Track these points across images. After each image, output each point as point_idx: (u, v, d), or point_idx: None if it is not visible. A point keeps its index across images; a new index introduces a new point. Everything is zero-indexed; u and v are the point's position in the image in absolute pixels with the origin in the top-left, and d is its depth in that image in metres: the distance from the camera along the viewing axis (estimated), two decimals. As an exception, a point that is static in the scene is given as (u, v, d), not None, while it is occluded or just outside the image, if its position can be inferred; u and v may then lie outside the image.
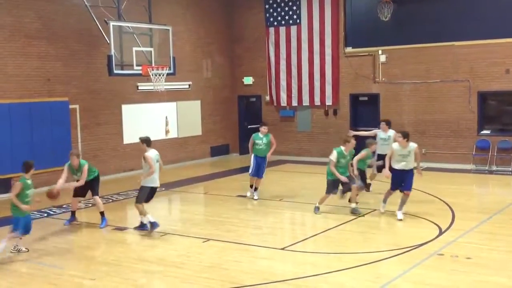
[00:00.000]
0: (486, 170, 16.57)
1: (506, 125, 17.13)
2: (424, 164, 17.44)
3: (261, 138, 12.96)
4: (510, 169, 16.23)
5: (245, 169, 18.19)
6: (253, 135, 13.12)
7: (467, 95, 17.12)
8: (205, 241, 9.45)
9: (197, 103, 19.76)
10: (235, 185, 15.23)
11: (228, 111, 21.07)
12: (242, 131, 21.36)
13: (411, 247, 8.71)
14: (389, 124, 13.21)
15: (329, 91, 19.44)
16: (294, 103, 20.14)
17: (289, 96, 20.20)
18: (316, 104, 19.74)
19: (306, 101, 19.93)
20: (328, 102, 19.51)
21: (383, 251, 8.57)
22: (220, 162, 19.66)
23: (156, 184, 10.31)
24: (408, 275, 7.55)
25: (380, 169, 11.84)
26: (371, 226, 10.40)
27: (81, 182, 10.55)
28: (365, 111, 19.19)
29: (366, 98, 19.16)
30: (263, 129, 12.94)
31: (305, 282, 7.40)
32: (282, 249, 8.96)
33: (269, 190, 14.16)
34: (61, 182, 10.26)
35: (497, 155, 16.72)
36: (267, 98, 20.65)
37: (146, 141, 10.28)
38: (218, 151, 20.67)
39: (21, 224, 8.78)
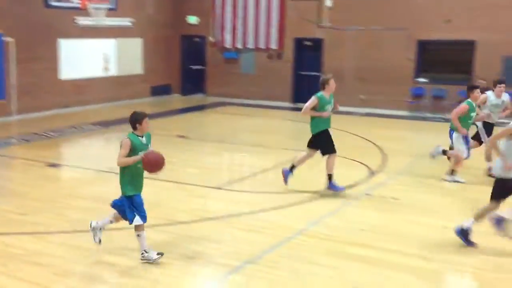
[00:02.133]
0: (420, 116, 17.14)
1: (441, 73, 17.65)
2: (363, 110, 17.88)
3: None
4: (443, 116, 16.83)
5: (186, 110, 18.17)
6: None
7: (407, 43, 17.45)
8: (142, 179, 9.44)
9: (139, 41, 19.25)
10: (176, 125, 15.16)
11: (170, 50, 20.66)
12: (185, 71, 21.10)
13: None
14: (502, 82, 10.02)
15: (274, 35, 19.34)
16: (239, 45, 19.95)
17: (233, 38, 19.98)
18: (260, 47, 19.64)
19: (251, 44, 19.79)
20: (273, 45, 19.44)
21: (315, 191, 8.82)
22: (161, 102, 19.43)
23: None
24: (337, 213, 7.84)
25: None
26: (307, 166, 10.65)
27: None
28: (309, 56, 19.27)
29: (310, 43, 19.19)
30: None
31: (238, 219, 7.57)
32: (219, 188, 9.08)
33: (211, 131, 14.19)
34: None
35: (432, 103, 17.31)
36: (211, 38, 20.36)
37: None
38: (159, 91, 20.37)
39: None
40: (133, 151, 5.82)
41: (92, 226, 6.21)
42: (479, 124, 10.11)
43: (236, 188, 9.12)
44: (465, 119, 9.26)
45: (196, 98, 20.57)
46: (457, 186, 9.30)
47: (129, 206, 5.87)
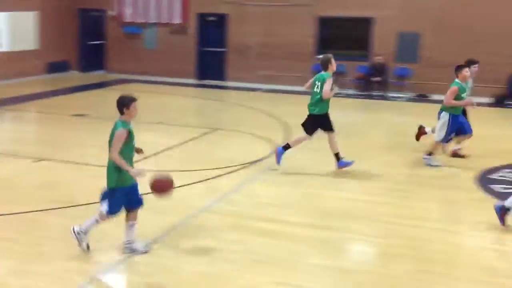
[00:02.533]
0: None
1: (341, 50, 18.13)
2: (266, 86, 18.03)
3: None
4: (343, 91, 17.32)
5: (85, 87, 17.43)
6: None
7: (309, 19, 17.74)
8: (37, 161, 8.95)
9: (33, 14, 18.14)
10: (73, 104, 14.52)
11: (67, 24, 19.66)
12: (83, 47, 20.21)
13: (247, 163, 9.05)
14: None
15: (178, 9, 18.94)
16: (141, 19, 19.37)
17: (135, 12, 19.35)
18: (163, 21, 19.18)
19: (153, 18, 19.27)
20: (176, 20, 19.05)
21: (221, 167, 8.79)
22: (57, 80, 18.50)
23: None
24: (241, 189, 7.87)
25: None
26: (211, 143, 10.60)
27: None
28: (213, 31, 19.08)
29: (214, 18, 19.00)
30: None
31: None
32: (121, 167, 8.82)
33: (112, 110, 13.72)
34: None
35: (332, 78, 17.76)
36: (111, 12, 19.58)
37: None
38: (56, 67, 19.39)
39: None
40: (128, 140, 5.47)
41: (75, 231, 5.58)
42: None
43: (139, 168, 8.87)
44: (456, 100, 8.73)
45: (96, 75, 19.80)
46: (366, 161, 9.55)
47: (118, 199, 5.49)
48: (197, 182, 8.09)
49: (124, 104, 5.50)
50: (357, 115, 14.53)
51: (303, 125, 8.81)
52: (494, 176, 8.60)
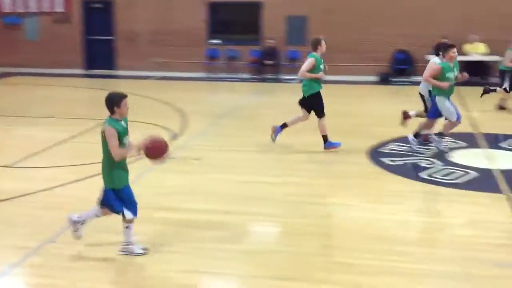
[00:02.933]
0: (216, 77, 17.56)
1: (233, 34, 18.20)
2: (159, 74, 17.71)
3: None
4: (237, 76, 17.45)
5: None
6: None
7: (200, 5, 17.58)
8: None
9: None
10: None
11: None
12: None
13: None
14: None
15: (59, -4, 18.05)
16: (20, 9, 18.23)
17: (13, 2, 18.16)
18: (44, 10, 18.17)
19: (33, 7, 18.20)
20: (58, 8, 18.14)
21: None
22: None
23: None
24: (140, 180, 7.65)
25: None
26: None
27: None
28: (99, 19, 18.37)
29: (100, 5, 18.29)
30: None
31: (34, 197, 6.98)
32: (10, 166, 8.28)
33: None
34: None
35: (226, 63, 17.82)
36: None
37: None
38: None
39: None
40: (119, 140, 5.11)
41: (72, 220, 5.38)
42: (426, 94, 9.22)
43: (30, 165, 8.39)
44: (440, 80, 8.42)
45: (-26, 70, 18.43)
46: (264, 145, 9.64)
47: (115, 199, 5.23)
48: (93, 176, 7.75)
49: (114, 102, 5.12)
50: (252, 98, 14.66)
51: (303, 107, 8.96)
52: (384, 149, 9.04)
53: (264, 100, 14.52)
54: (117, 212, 5.30)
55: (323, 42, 8.69)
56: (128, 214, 5.25)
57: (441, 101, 8.49)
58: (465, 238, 5.73)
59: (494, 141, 9.35)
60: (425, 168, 7.99)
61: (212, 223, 6.19)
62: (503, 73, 12.44)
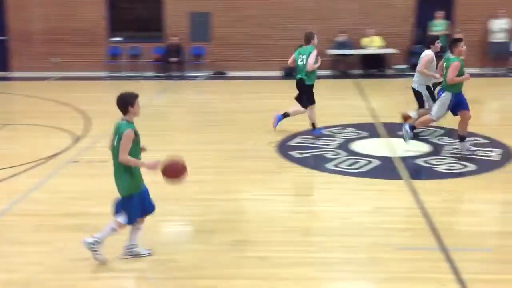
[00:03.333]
0: (119, 76, 17.10)
1: (135, 32, 17.82)
2: (57, 74, 16.97)
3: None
4: (141, 74, 17.10)
5: None
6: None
7: (98, 2, 17.03)
8: None
9: None
10: None
11: None
12: None
13: (45, 158, 8.43)
14: None
15: None
16: None
17: None
18: None
19: None
20: None
21: (16, 166, 8.06)
22: None
23: None
24: (43, 186, 7.31)
25: None
26: (1, 141, 9.67)
27: None
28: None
29: (-12, 4, 17.22)
30: None
31: None
32: None
33: None
34: None
35: (129, 62, 17.40)
36: None
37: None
38: None
39: None
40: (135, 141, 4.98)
41: (88, 243, 5.02)
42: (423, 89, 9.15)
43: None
44: (459, 76, 8.13)
45: None
46: (175, 143, 9.49)
47: (137, 205, 5.06)
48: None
49: (129, 102, 4.97)
50: (158, 97, 14.41)
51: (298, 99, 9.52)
52: (292, 143, 9.21)
53: (171, 98, 14.32)
54: (131, 222, 5.10)
55: (315, 36, 9.41)
56: (123, 219, 5.08)
57: (445, 98, 8.22)
58: (371, 224, 5.96)
59: (393, 130, 9.81)
60: (331, 159, 8.22)
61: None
62: None
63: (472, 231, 5.79)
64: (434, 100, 8.75)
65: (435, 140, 9.10)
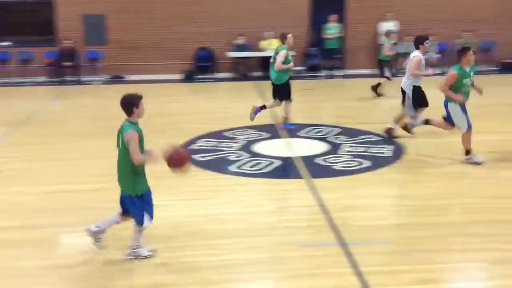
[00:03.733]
0: (8, 82, 16.23)
1: (26, 36, 17.00)
2: None
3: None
4: (33, 80, 16.34)
5: None
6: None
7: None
8: None
9: None
10: None
11: None
12: None
13: None
14: None
15: None
16: None
17: None
18: None
19: None
20: None
21: None
22: None
23: None
24: None
25: None
26: None
27: None
28: None
29: None
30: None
31: None
32: None
33: None
34: None
35: (19, 67, 16.57)
36: None
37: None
38: None
39: None
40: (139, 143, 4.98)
41: (92, 231, 5.17)
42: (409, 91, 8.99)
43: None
44: (457, 88, 7.69)
45: None
46: (75, 151, 9.12)
47: (140, 206, 5.07)
48: None
49: (133, 103, 4.98)
50: (52, 103, 13.81)
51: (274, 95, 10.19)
52: (194, 146, 9.19)
53: (66, 103, 13.77)
54: (140, 223, 5.08)
55: (289, 36, 9.92)
56: (147, 220, 5.11)
57: (454, 109, 7.85)
58: (274, 224, 6.08)
59: (293, 130, 10.07)
60: (234, 162, 8.30)
61: (20, 240, 5.72)
62: (381, 63, 13.55)
63: (370, 225, 6.06)
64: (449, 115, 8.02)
65: (332, 139, 9.46)
